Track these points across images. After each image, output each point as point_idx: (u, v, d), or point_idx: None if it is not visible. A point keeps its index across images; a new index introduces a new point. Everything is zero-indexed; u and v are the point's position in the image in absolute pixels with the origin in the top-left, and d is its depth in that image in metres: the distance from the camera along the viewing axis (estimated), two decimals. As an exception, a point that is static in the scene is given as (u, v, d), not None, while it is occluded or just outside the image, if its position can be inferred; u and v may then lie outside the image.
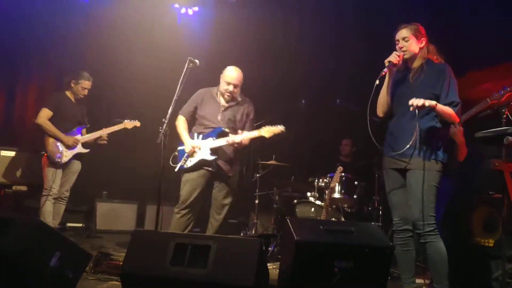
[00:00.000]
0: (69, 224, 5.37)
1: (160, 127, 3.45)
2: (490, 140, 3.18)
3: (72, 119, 4.74)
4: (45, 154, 4.60)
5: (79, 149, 4.71)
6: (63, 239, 2.64)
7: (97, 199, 5.84)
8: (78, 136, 4.72)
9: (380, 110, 3.17)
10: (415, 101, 2.82)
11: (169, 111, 3.56)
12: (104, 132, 4.80)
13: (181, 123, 4.07)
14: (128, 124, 4.88)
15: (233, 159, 4.05)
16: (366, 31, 5.99)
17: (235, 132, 3.94)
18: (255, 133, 3.86)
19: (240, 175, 4.23)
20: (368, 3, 5.87)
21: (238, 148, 3.96)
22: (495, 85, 3.76)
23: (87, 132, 4.81)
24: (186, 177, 3.96)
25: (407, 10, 5.29)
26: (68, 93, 4.81)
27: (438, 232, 2.92)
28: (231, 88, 3.98)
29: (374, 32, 5.82)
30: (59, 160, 4.57)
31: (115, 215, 5.87)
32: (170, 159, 3.96)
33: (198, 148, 3.91)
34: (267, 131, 3.81)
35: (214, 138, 3.91)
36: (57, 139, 4.60)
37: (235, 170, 4.10)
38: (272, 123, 5.30)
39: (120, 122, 4.85)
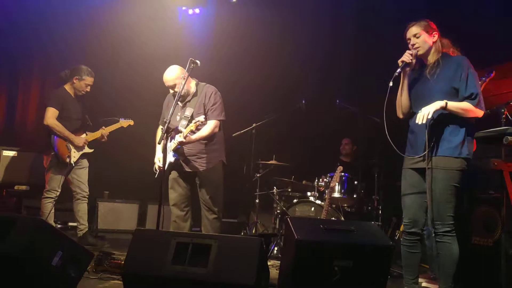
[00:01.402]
0: (70, 224, 5.38)
1: (162, 127, 3.46)
2: (489, 140, 3.19)
3: (76, 117, 4.66)
4: (51, 154, 4.52)
5: (86, 149, 4.70)
6: (65, 239, 2.65)
7: (98, 198, 5.85)
8: (83, 135, 4.69)
9: (400, 111, 3.09)
10: (421, 118, 2.76)
11: (171, 111, 3.58)
12: (106, 131, 4.78)
13: (157, 134, 4.10)
14: (124, 123, 4.88)
15: (199, 155, 3.91)
16: (366, 31, 6.00)
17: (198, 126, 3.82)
18: (188, 128, 3.71)
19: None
20: (367, 4, 5.88)
21: (196, 143, 3.85)
22: (494, 85, 3.76)
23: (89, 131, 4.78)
24: (169, 179, 4.02)
25: (406, 10, 5.30)
26: (67, 88, 4.67)
27: (454, 234, 2.84)
28: (171, 91, 3.95)
29: (374, 32, 5.83)
30: (69, 161, 4.53)
31: (117, 214, 5.89)
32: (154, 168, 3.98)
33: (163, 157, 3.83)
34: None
35: (175, 139, 3.84)
36: (67, 139, 4.54)
37: (208, 164, 3.92)
38: (272, 123, 5.35)
39: (117, 121, 4.84)
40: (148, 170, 3.97)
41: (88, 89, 4.70)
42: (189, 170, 3.93)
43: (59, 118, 4.53)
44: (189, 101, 3.97)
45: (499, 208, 3.21)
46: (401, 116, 3.11)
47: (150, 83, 6.09)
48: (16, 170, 5.03)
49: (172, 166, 3.95)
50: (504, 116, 3.43)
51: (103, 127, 4.79)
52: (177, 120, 3.93)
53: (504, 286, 3.14)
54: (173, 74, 3.88)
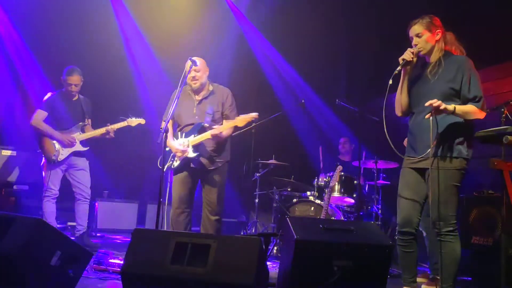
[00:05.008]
0: (70, 223, 5.37)
1: (161, 127, 3.45)
2: (489, 139, 3.18)
3: (68, 117, 4.68)
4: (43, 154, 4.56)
5: (77, 147, 4.67)
6: (64, 238, 2.64)
7: (98, 198, 5.86)
8: (75, 134, 4.68)
9: (399, 109, 3.06)
10: (433, 102, 2.70)
11: (170, 110, 3.57)
12: (112, 127, 4.70)
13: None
14: (132, 121, 4.77)
15: (215, 153, 3.90)
16: (367, 30, 5.99)
17: (215, 124, 3.83)
18: (230, 123, 3.78)
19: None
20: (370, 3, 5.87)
21: (220, 140, 3.83)
22: (495, 85, 3.76)
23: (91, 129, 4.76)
24: (174, 178, 3.92)
25: (408, 8, 5.29)
26: (64, 91, 4.74)
27: (457, 233, 2.83)
28: (192, 73, 3.83)
29: (374, 31, 5.83)
30: (55, 158, 4.54)
31: (116, 214, 5.89)
32: (158, 161, 3.78)
33: (186, 146, 3.82)
34: (241, 120, 3.76)
35: (196, 135, 3.80)
36: (52, 138, 4.58)
37: (218, 163, 3.91)
38: (272, 122, 5.34)
39: (123, 120, 4.75)
40: (147, 170, 3.96)
41: (74, 88, 4.69)
42: (203, 168, 3.86)
43: (50, 120, 4.59)
44: (205, 98, 3.93)
45: (499, 208, 3.21)
46: (399, 114, 3.08)
47: (150, 83, 6.12)
48: (15, 170, 5.03)
49: (186, 164, 3.85)
50: (503, 115, 3.43)
51: (108, 124, 4.72)
52: (194, 114, 3.87)
53: (503, 285, 3.14)
54: (200, 61, 3.86)
